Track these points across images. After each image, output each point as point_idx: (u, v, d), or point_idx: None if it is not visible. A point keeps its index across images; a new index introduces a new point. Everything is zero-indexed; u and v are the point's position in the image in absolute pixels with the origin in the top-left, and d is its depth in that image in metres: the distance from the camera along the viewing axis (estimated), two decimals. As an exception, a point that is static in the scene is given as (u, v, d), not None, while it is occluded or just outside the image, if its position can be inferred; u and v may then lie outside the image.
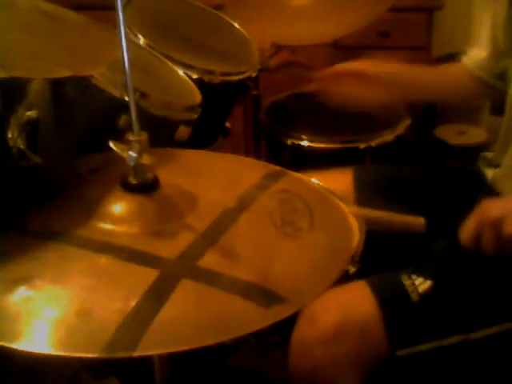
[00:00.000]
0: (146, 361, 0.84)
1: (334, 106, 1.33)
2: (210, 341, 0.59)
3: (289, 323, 0.95)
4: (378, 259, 0.97)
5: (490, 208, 0.90)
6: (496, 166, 1.20)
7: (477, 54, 1.27)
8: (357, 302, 0.96)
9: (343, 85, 1.30)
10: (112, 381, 1.21)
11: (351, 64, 1.33)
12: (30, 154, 1.09)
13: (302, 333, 0.95)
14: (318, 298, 0.76)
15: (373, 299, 0.95)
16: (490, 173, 1.21)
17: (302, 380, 0.96)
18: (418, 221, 0.87)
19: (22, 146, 1.10)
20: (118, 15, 0.69)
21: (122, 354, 0.58)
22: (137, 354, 0.57)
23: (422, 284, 0.95)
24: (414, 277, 0.96)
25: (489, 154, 1.24)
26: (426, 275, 0.96)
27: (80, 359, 0.58)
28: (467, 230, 0.91)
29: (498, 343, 0.95)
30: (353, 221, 0.81)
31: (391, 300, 0.96)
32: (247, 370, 1.25)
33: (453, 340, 0.93)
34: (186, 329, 0.61)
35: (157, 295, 0.63)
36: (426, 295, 0.94)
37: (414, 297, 0.94)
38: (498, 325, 0.94)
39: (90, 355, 0.57)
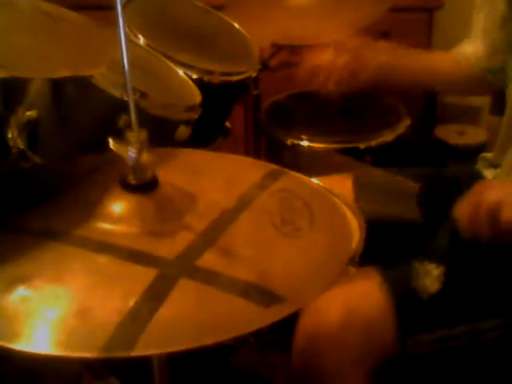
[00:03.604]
0: (147, 361, 0.84)
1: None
2: (209, 341, 0.59)
3: (289, 323, 0.94)
4: (378, 256, 0.96)
5: (488, 191, 0.87)
6: (496, 166, 1.20)
7: (470, 47, 1.27)
8: (362, 297, 0.95)
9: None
10: (113, 381, 1.21)
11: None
12: (30, 154, 1.09)
13: (306, 329, 0.94)
14: (317, 298, 0.75)
15: (380, 294, 0.93)
16: (489, 173, 1.21)
17: (305, 378, 0.95)
18: (415, 213, 0.86)
19: (21, 146, 1.09)
20: (117, 15, 0.69)
21: (120, 354, 0.58)
22: (135, 353, 0.57)
23: None
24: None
25: (488, 155, 1.24)
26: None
27: (79, 359, 0.58)
28: (463, 211, 0.88)
29: (507, 342, 0.94)
30: (353, 220, 0.81)
31: (400, 295, 0.94)
32: (247, 370, 1.25)
33: (464, 328, 0.93)
34: (185, 329, 0.61)
35: (155, 295, 0.63)
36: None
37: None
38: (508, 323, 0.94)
39: (88, 355, 0.57)
